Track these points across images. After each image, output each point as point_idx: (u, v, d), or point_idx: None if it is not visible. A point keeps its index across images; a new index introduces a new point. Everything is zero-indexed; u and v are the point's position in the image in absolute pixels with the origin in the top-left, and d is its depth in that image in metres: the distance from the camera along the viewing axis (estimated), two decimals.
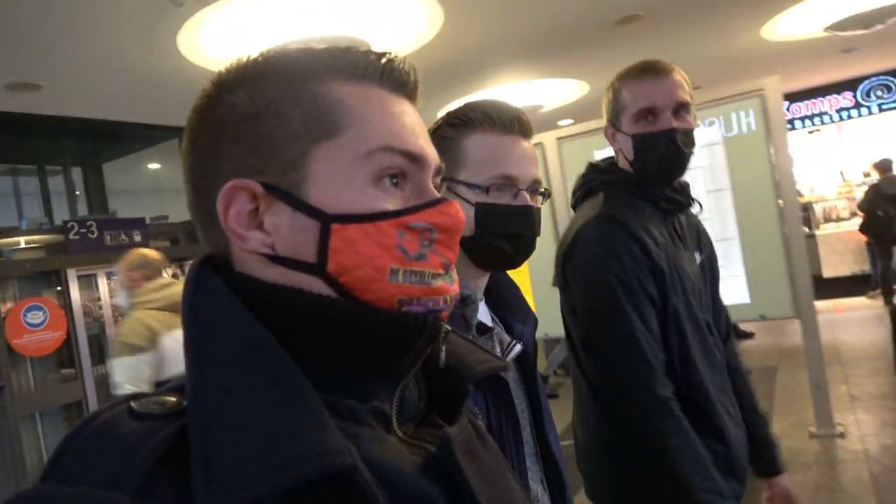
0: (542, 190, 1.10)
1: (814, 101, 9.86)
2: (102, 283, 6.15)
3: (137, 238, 6.27)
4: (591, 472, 1.53)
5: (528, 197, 1.06)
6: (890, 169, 7.87)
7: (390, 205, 0.54)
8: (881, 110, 9.41)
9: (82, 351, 5.67)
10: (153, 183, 7.71)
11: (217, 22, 3.69)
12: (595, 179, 1.57)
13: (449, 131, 1.07)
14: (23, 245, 5.90)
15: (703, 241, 1.64)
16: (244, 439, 0.43)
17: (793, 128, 9.95)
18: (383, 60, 0.56)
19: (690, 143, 1.46)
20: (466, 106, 1.08)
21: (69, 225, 5.83)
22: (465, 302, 1.04)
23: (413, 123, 0.57)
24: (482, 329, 1.07)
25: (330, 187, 0.53)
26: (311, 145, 0.53)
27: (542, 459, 1.09)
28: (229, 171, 0.53)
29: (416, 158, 0.56)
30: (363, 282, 0.52)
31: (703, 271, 1.58)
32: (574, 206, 1.62)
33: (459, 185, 1.05)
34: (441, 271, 0.56)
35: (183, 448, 0.43)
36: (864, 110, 9.61)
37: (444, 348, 0.59)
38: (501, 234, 1.04)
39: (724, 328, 1.63)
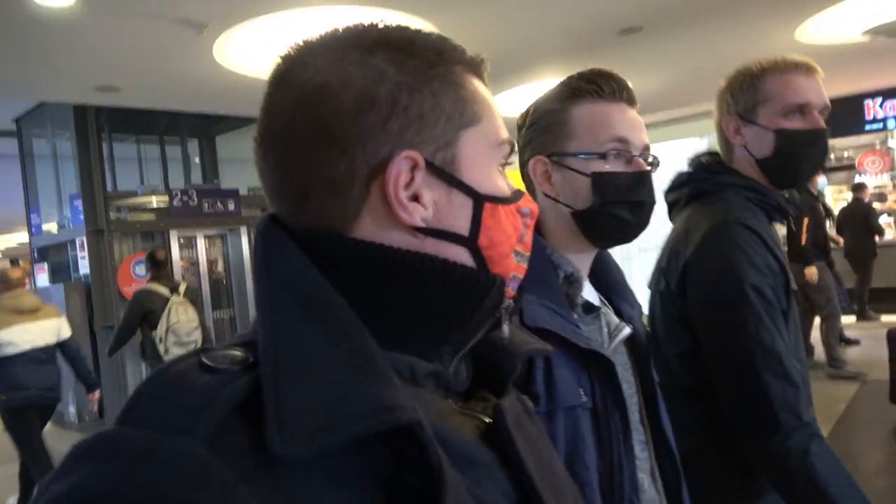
0: (652, 158, 1.05)
1: None
2: (200, 243, 7.16)
3: (231, 207, 7.20)
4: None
5: (643, 162, 1.02)
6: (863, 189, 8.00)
7: (509, 192, 0.59)
8: None
9: None
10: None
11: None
12: (709, 180, 1.42)
13: (553, 104, 1.06)
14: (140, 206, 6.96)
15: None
16: (315, 392, 0.44)
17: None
18: (481, 59, 0.61)
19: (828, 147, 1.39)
20: (569, 78, 1.06)
21: (173, 193, 6.83)
22: (570, 280, 1.03)
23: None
24: (588, 308, 1.06)
25: (476, 169, 0.57)
26: (460, 129, 0.56)
27: (655, 448, 1.07)
28: (388, 140, 0.52)
29: (513, 151, 0.61)
30: (500, 256, 0.57)
31: None
32: (673, 205, 1.50)
33: (569, 157, 1.03)
34: (528, 253, 0.61)
35: (254, 402, 0.43)
36: None
37: (506, 321, 0.61)
38: (622, 201, 1.00)
39: None
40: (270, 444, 0.41)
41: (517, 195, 0.60)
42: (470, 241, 0.56)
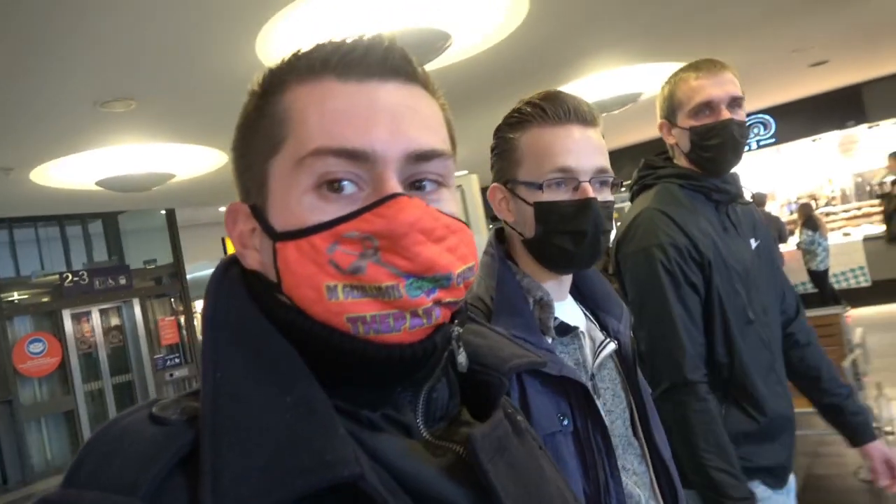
0: (612, 179, 1.04)
1: None
2: (95, 317, 7.86)
3: (123, 281, 7.93)
4: None
5: (589, 189, 1.00)
6: (763, 203, 8.65)
7: (329, 215, 0.50)
8: (759, 146, 9.92)
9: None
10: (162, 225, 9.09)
11: (293, 25, 3.59)
12: (649, 175, 1.65)
13: (506, 131, 1.06)
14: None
15: (758, 228, 1.69)
16: (252, 449, 0.43)
17: None
18: (343, 47, 0.52)
19: (745, 134, 1.56)
20: (521, 103, 1.06)
21: (64, 276, 7.54)
22: (541, 304, 1.03)
23: (366, 112, 0.51)
24: (563, 330, 1.04)
25: (278, 202, 0.51)
26: (267, 161, 0.52)
27: (652, 464, 1.07)
28: (238, 194, 0.56)
29: (355, 155, 0.50)
30: (307, 301, 0.50)
31: (760, 256, 1.64)
32: (631, 200, 1.70)
33: (519, 185, 1.03)
34: (391, 282, 0.49)
35: (198, 454, 0.43)
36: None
37: (461, 353, 0.57)
38: (561, 231, 1.01)
39: (793, 306, 1.72)
40: None
41: (337, 220, 0.49)
42: (280, 290, 0.51)
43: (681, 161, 1.63)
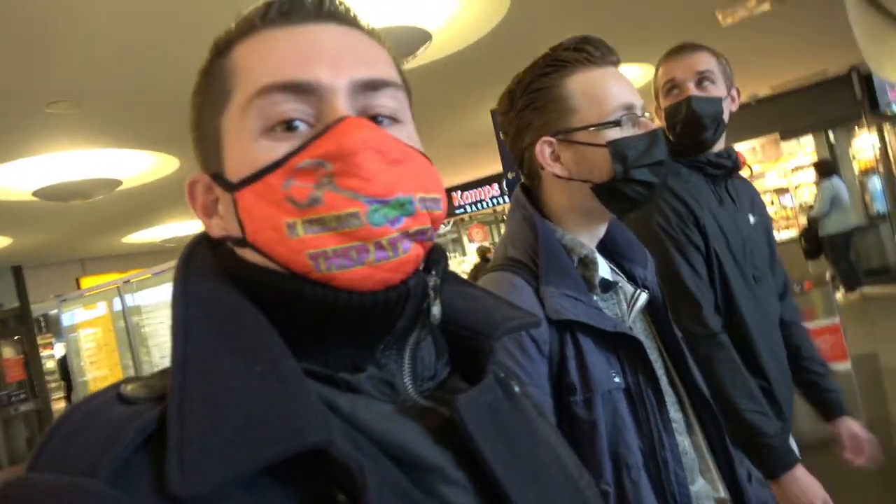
0: (649, 114, 1.05)
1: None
2: None
3: None
4: None
5: (648, 121, 1.01)
6: (487, 252, 9.69)
7: (282, 153, 0.49)
8: None
9: None
10: None
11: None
12: None
13: (544, 81, 1.02)
14: None
15: (756, 206, 1.72)
16: (219, 421, 0.42)
17: None
18: (256, 8, 0.53)
19: (710, 109, 1.55)
20: (552, 50, 1.03)
21: None
22: (585, 262, 1.01)
23: (308, 50, 0.51)
24: (606, 286, 1.03)
25: (232, 154, 0.51)
26: (217, 119, 0.52)
27: (692, 403, 1.06)
28: (199, 167, 0.56)
29: (301, 88, 0.49)
30: (269, 244, 0.49)
31: (758, 232, 1.67)
32: None
33: (577, 132, 1.00)
34: (352, 209, 0.47)
35: (164, 434, 0.42)
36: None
37: (437, 304, 0.55)
38: (644, 164, 0.99)
39: (781, 285, 1.73)
40: (169, 483, 0.39)
41: (289, 155, 0.49)
42: (245, 241, 0.51)
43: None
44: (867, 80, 8.18)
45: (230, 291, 0.50)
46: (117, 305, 6.02)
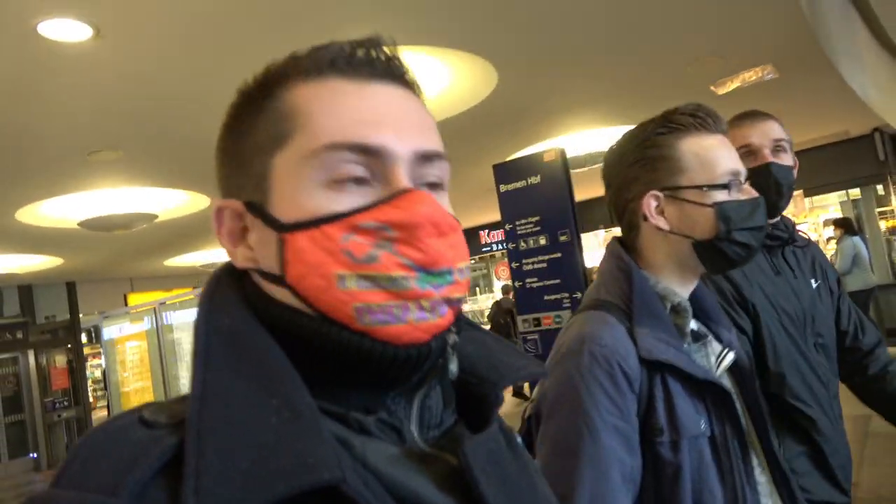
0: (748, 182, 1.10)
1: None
2: None
3: (20, 335, 9.28)
4: None
5: (751, 189, 1.07)
6: (508, 291, 9.68)
7: (343, 206, 0.51)
8: None
9: None
10: None
11: None
12: None
13: (657, 140, 1.08)
14: None
15: (818, 268, 1.73)
16: (236, 451, 0.43)
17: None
18: (348, 48, 0.54)
19: (788, 176, 1.57)
20: (668, 113, 1.09)
21: None
22: (677, 310, 1.05)
23: (376, 111, 0.53)
24: (697, 336, 1.08)
25: (285, 196, 0.52)
26: (271, 155, 0.53)
27: (771, 473, 1.07)
28: (223, 193, 0.56)
29: (371, 151, 0.51)
30: (315, 290, 0.50)
31: (820, 295, 1.68)
32: None
33: (685, 190, 1.05)
34: (403, 273, 0.50)
35: (182, 458, 0.43)
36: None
37: (454, 360, 0.57)
38: (746, 228, 1.04)
39: (870, 339, 1.73)
40: None
41: (353, 211, 0.51)
42: (283, 279, 0.52)
43: None
44: (893, 139, 8.24)
45: (251, 324, 0.51)
46: (156, 323, 6.58)
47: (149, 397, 6.76)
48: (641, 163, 1.09)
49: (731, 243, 1.04)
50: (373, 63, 0.54)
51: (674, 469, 0.96)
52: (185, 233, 7.83)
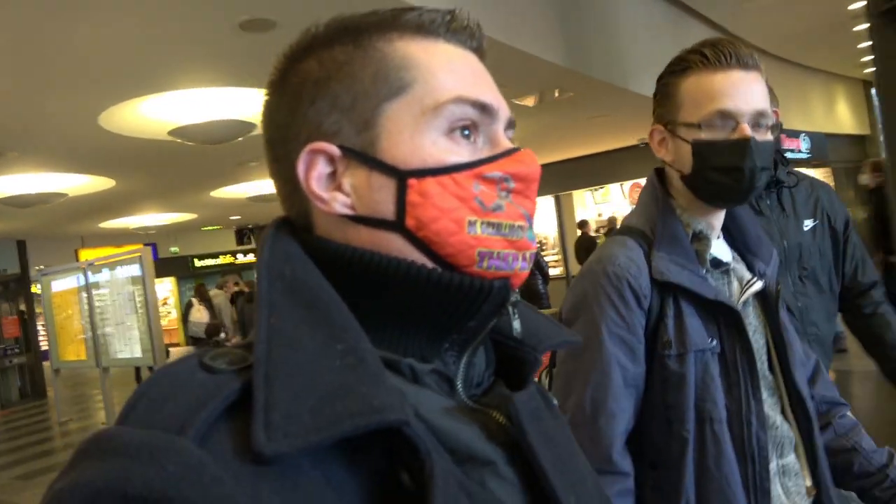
0: (772, 122, 1.08)
1: None
2: None
3: None
4: None
5: (747, 129, 1.05)
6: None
7: (464, 156, 0.54)
8: None
9: None
10: None
11: None
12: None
13: (669, 78, 1.13)
14: None
15: (818, 210, 1.86)
16: (303, 392, 0.44)
17: None
18: (448, 16, 0.57)
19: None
20: (685, 50, 1.12)
21: None
22: (699, 237, 1.11)
23: (481, 75, 0.57)
24: (716, 263, 1.12)
25: (403, 143, 0.53)
26: (382, 103, 0.54)
27: (788, 396, 1.12)
28: (306, 136, 0.55)
29: (487, 109, 0.55)
30: (442, 234, 0.52)
31: (815, 233, 1.78)
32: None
33: (678, 126, 1.10)
34: (522, 222, 0.55)
35: (247, 402, 0.44)
36: None
37: (516, 317, 0.59)
38: (715, 167, 1.06)
39: (867, 279, 1.88)
40: (255, 442, 0.41)
41: (481, 161, 0.54)
42: (398, 225, 0.53)
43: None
44: None
45: (313, 272, 0.52)
46: (85, 281, 7.58)
47: (81, 348, 7.77)
48: (657, 98, 1.17)
49: (703, 181, 1.09)
50: (469, 31, 0.58)
51: (678, 377, 1.05)
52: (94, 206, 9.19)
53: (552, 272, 11.07)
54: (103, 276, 7.44)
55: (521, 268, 0.55)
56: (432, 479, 0.43)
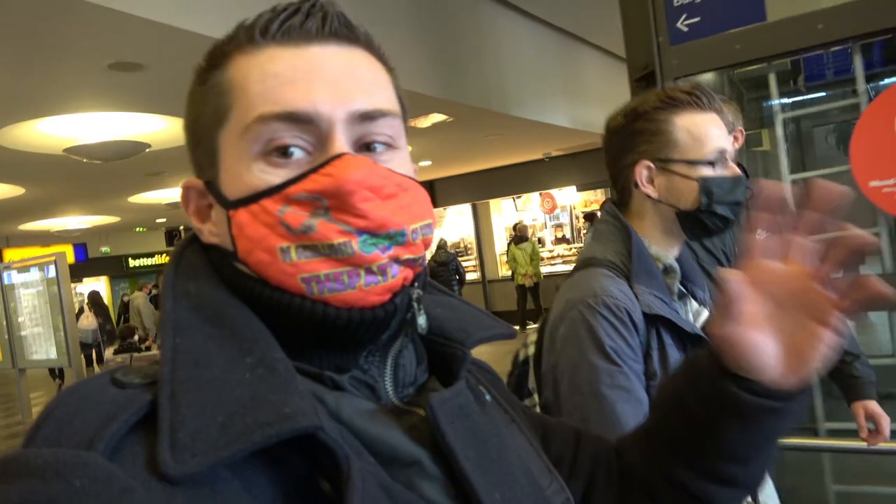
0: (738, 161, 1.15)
1: None
2: None
3: None
4: None
5: (735, 167, 1.15)
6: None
7: (277, 179, 0.51)
8: None
9: None
10: None
11: None
12: None
13: (655, 114, 1.16)
14: None
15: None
16: (212, 407, 0.44)
17: None
18: (281, 14, 0.53)
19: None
20: (668, 90, 1.17)
21: None
22: (668, 271, 1.17)
23: (309, 75, 0.52)
24: (680, 294, 1.19)
25: (228, 172, 0.53)
26: (215, 133, 0.54)
27: None
28: (195, 171, 0.58)
29: (299, 118, 0.51)
30: (261, 266, 0.51)
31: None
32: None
33: (677, 163, 1.14)
34: (343, 239, 0.49)
35: (156, 415, 0.43)
36: None
37: (421, 313, 0.57)
38: (724, 202, 1.12)
39: None
40: (161, 464, 0.41)
41: (287, 183, 0.51)
42: (236, 257, 0.53)
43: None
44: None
45: (218, 289, 0.52)
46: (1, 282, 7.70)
47: None
48: (638, 134, 1.17)
49: (711, 215, 1.13)
50: (308, 26, 0.53)
51: None
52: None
53: (469, 277, 11.84)
54: (20, 277, 7.64)
55: (368, 283, 0.51)
56: (349, 482, 0.43)
